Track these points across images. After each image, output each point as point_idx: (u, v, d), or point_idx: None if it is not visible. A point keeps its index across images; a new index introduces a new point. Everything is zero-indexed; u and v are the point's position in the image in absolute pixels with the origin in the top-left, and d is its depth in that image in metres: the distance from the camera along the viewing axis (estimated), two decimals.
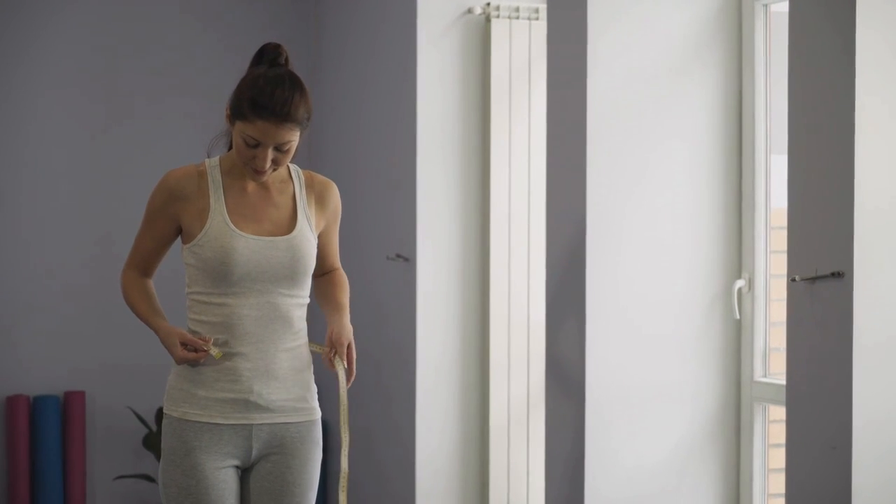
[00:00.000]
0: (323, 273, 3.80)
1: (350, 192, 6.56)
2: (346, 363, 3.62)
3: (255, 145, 3.51)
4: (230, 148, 3.69)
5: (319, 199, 3.70)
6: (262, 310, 3.59)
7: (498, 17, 5.78)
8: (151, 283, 3.72)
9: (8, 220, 6.64)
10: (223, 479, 3.58)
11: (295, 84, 3.54)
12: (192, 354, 3.55)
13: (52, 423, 6.55)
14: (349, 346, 3.62)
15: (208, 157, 3.68)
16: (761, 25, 4.82)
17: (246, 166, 3.56)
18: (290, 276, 3.60)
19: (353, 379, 3.64)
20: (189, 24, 6.86)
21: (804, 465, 3.96)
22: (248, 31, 6.87)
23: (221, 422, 3.58)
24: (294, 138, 3.53)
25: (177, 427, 3.59)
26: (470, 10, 5.83)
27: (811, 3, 3.94)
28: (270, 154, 3.51)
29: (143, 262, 3.69)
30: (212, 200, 3.59)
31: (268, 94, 3.48)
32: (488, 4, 5.79)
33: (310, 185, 3.70)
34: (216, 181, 3.61)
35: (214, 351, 3.56)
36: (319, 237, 3.72)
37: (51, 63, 6.68)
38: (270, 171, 3.56)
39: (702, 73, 4.84)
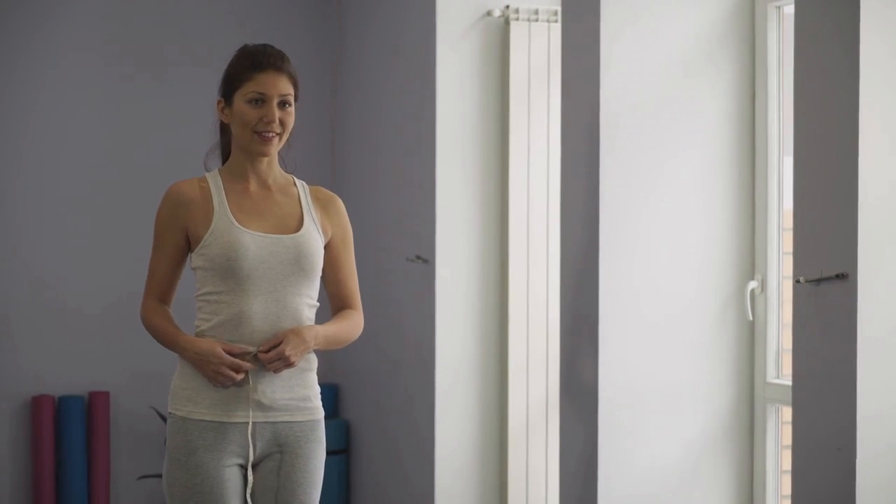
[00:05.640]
0: (340, 307, 3.81)
1: (370, 194, 6.60)
2: (264, 354, 3.61)
3: (260, 101, 3.64)
4: (225, 160, 3.78)
5: (325, 209, 3.77)
6: (271, 307, 3.63)
7: (517, 19, 5.79)
8: (169, 311, 3.74)
9: (34, 220, 6.69)
10: (227, 477, 3.61)
11: (281, 50, 3.73)
12: (235, 366, 3.58)
13: (76, 423, 6.60)
14: (281, 351, 3.60)
15: (206, 171, 3.76)
16: (774, 27, 4.82)
17: (253, 136, 3.65)
18: (297, 273, 3.65)
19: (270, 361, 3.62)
20: (212, 22, 6.90)
21: (810, 465, 3.97)
22: (274, 33, 6.91)
23: (226, 420, 3.61)
24: (292, 94, 3.68)
25: (181, 426, 3.62)
26: (489, 13, 5.85)
27: (816, 7, 3.95)
28: (277, 111, 3.64)
29: (160, 287, 3.71)
30: (215, 202, 3.66)
31: (261, 51, 3.69)
32: (507, 7, 5.81)
33: (315, 196, 3.78)
34: (218, 185, 3.69)
35: (251, 354, 3.61)
36: (332, 260, 3.76)
37: (59, 57, 6.71)
38: (277, 138, 3.66)
39: (715, 75, 4.84)
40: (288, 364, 3.61)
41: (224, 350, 3.59)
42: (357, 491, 6.80)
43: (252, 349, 3.62)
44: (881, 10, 3.77)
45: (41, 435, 6.56)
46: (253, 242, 3.62)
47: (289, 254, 3.65)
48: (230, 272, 3.61)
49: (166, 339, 3.68)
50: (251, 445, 3.61)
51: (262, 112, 3.64)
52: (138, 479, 6.72)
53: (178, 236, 3.67)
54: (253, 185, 3.71)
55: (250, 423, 3.61)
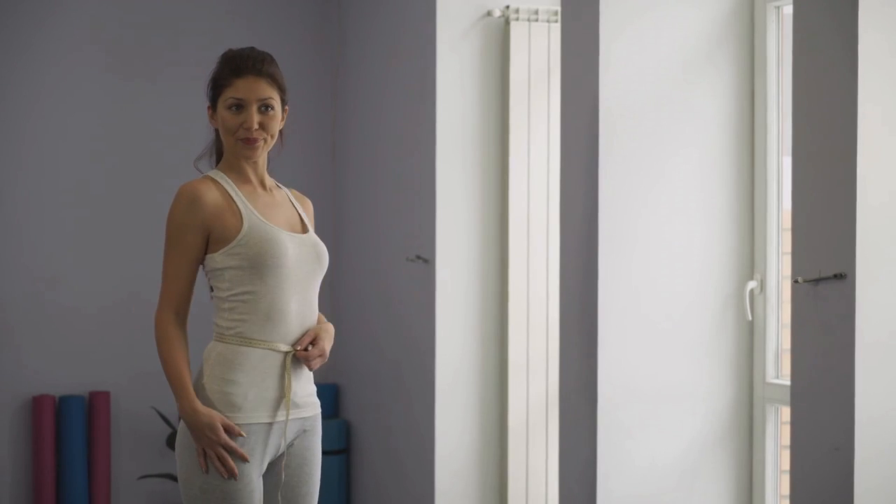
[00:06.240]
0: None
1: (370, 194, 6.60)
2: (304, 353, 3.62)
3: (239, 107, 3.62)
4: (219, 159, 3.75)
5: (305, 210, 3.80)
6: (302, 305, 3.64)
7: (517, 19, 5.80)
8: (186, 334, 3.63)
9: (34, 220, 6.70)
10: (260, 478, 3.61)
11: (264, 52, 3.68)
12: (229, 448, 3.53)
13: (77, 423, 6.60)
14: (322, 348, 3.63)
15: (200, 173, 3.74)
16: (773, 27, 4.83)
17: (237, 143, 3.64)
18: (318, 272, 3.68)
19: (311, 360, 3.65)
20: (212, 23, 6.90)
21: (808, 465, 3.97)
22: (274, 34, 6.92)
23: (267, 420, 3.60)
24: (275, 96, 3.64)
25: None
26: (489, 13, 5.85)
27: (815, 7, 3.95)
28: (256, 116, 3.60)
29: (179, 295, 3.59)
30: (237, 202, 3.63)
31: (242, 55, 3.65)
32: (507, 7, 5.82)
33: (296, 198, 3.80)
34: (230, 185, 3.66)
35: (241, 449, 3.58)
36: None
37: (59, 57, 6.72)
38: (262, 142, 3.64)
39: (714, 75, 4.85)
40: (324, 361, 3.64)
41: (223, 425, 3.53)
42: (357, 491, 6.80)
43: (288, 348, 3.61)
44: (880, 10, 3.78)
45: (42, 435, 6.57)
46: (288, 241, 3.62)
47: (312, 253, 3.67)
48: (270, 271, 3.57)
49: (171, 377, 3.58)
50: (285, 443, 3.62)
51: (242, 118, 3.62)
52: (139, 479, 6.72)
53: (198, 237, 3.58)
54: (258, 187, 3.71)
55: (286, 421, 3.61)
